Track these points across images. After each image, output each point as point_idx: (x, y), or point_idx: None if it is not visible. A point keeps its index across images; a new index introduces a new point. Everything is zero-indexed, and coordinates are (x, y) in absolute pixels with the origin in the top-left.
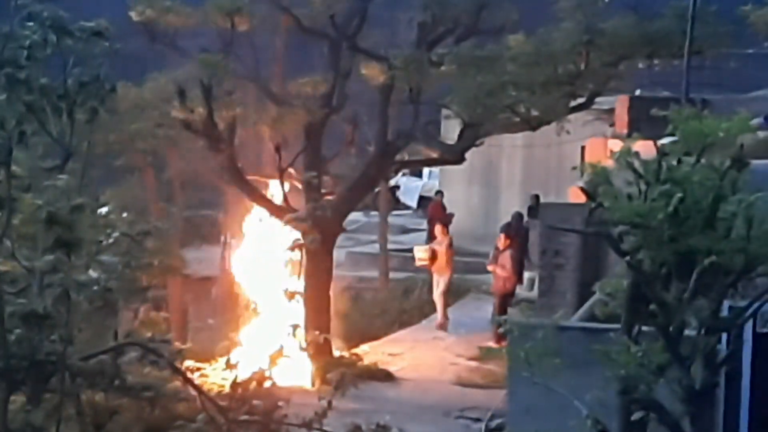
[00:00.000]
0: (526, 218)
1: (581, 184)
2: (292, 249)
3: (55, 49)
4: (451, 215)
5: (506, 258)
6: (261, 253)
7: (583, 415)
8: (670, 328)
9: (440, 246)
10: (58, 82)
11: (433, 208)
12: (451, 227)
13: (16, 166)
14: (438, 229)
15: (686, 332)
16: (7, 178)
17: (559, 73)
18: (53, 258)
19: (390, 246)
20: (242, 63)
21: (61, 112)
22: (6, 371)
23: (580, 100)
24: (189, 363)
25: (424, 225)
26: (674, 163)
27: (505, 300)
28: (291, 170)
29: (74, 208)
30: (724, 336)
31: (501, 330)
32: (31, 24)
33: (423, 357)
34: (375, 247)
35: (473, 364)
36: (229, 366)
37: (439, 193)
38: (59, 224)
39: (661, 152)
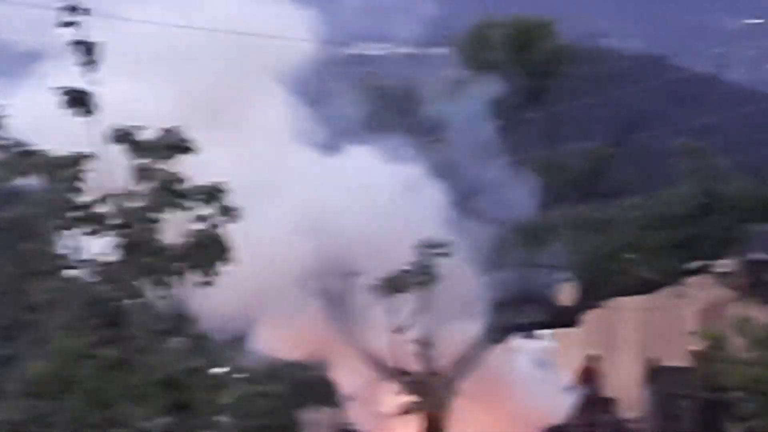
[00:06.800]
0: (643, 382)
1: (698, 348)
2: (405, 412)
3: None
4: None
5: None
6: (374, 415)
7: None
8: None
9: None
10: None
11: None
12: None
13: (132, 327)
14: None
15: None
16: (125, 340)
17: (677, 236)
18: (169, 420)
19: None
20: None
21: (176, 274)
22: None
23: (698, 264)
24: None
25: None
26: None
27: None
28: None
29: (190, 370)
30: None
31: None
32: (147, 185)
33: None
34: None
35: None
36: None
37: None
38: (175, 386)
39: None
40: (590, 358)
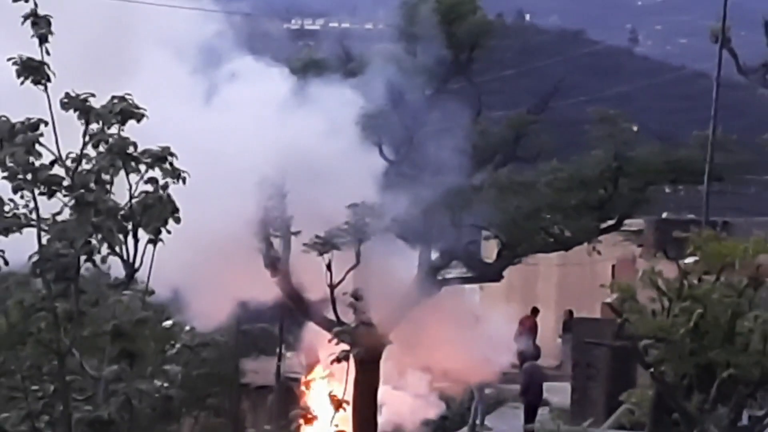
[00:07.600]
0: (560, 332)
1: (610, 300)
2: (338, 360)
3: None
4: None
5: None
6: (313, 363)
7: None
8: None
9: None
10: (124, 203)
11: None
12: None
13: (84, 282)
14: None
15: None
16: (76, 294)
17: (591, 197)
18: (117, 368)
19: None
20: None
21: (126, 232)
22: None
23: (610, 222)
24: None
25: None
26: (695, 281)
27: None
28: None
29: (138, 321)
30: None
31: None
32: (100, 150)
33: None
34: None
35: None
36: None
37: None
38: (123, 337)
39: (683, 271)
40: (533, 310)
